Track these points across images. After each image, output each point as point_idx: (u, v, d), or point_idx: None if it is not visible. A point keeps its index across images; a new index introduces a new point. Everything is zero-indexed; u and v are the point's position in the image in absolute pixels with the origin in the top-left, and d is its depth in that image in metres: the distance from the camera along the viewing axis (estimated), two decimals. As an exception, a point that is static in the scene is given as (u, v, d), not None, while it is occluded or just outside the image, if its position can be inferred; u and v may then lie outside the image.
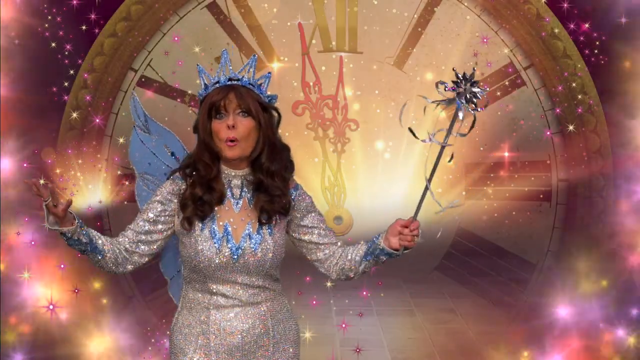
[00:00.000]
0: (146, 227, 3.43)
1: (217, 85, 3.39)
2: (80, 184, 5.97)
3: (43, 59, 5.97)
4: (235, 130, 3.30)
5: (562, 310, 5.87)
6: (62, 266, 5.96)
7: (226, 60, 3.45)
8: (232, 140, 3.31)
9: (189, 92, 6.00)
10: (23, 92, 5.96)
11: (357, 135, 6.08)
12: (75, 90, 6.01)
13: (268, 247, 3.38)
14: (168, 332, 3.70)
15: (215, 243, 3.36)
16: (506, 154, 5.98)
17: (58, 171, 5.98)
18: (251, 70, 3.42)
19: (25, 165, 5.97)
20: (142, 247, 3.44)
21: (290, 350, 3.53)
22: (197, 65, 3.52)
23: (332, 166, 6.06)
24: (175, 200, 3.41)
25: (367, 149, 6.17)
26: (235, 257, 3.36)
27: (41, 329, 5.92)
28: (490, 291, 6.18)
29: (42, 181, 3.24)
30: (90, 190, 5.96)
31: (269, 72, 3.50)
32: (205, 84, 3.45)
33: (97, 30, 5.99)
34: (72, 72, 5.99)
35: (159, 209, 3.42)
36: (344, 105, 6.05)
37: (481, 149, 5.94)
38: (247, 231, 3.37)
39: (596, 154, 5.94)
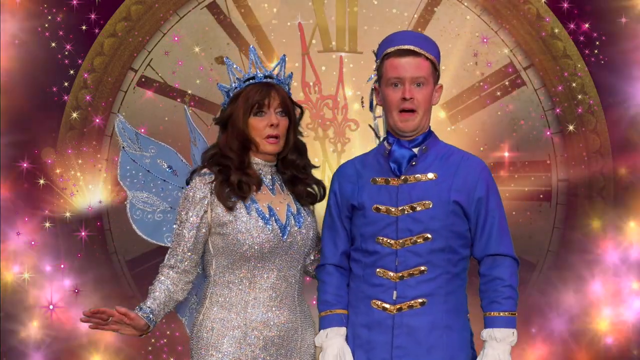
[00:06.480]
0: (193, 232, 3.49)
1: (252, 81, 3.49)
2: (80, 184, 5.96)
3: (43, 59, 5.97)
4: (277, 128, 3.46)
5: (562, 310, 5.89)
6: (62, 266, 5.96)
7: (256, 56, 3.57)
8: (274, 137, 3.47)
9: (189, 92, 6.00)
10: (23, 92, 5.96)
11: (357, 135, 6.07)
12: (75, 90, 6.01)
13: (309, 224, 3.54)
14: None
15: (264, 223, 3.44)
16: (506, 154, 5.98)
17: (58, 171, 5.97)
18: (283, 68, 3.56)
19: (25, 165, 5.97)
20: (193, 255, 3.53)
21: (312, 349, 3.57)
22: (226, 58, 3.60)
23: (332, 166, 6.06)
24: (210, 195, 3.45)
25: (367, 149, 6.15)
26: (285, 235, 3.46)
27: (41, 329, 5.92)
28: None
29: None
30: (90, 190, 5.96)
31: (284, 55, 3.63)
32: (237, 78, 3.49)
33: (97, 30, 6.00)
34: (72, 72, 5.99)
35: (199, 211, 3.47)
36: (344, 105, 6.05)
37: (481, 149, 5.93)
38: (289, 211, 3.50)
39: (596, 154, 5.94)
